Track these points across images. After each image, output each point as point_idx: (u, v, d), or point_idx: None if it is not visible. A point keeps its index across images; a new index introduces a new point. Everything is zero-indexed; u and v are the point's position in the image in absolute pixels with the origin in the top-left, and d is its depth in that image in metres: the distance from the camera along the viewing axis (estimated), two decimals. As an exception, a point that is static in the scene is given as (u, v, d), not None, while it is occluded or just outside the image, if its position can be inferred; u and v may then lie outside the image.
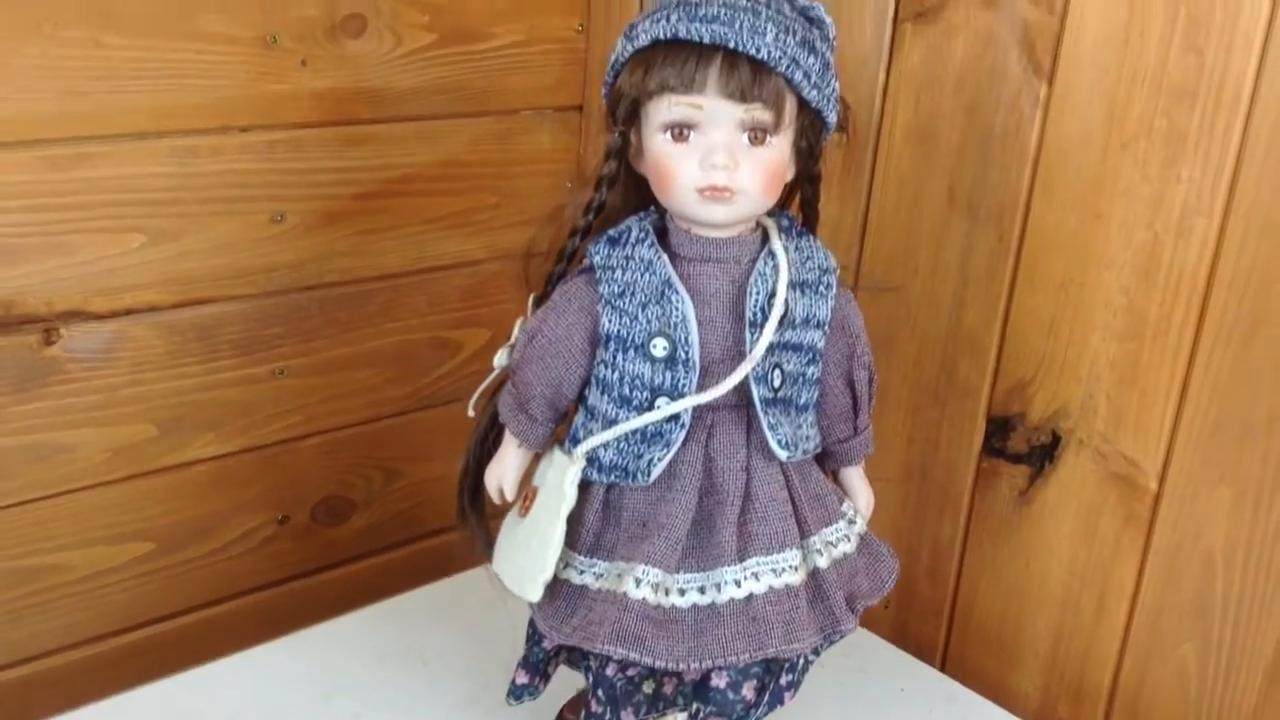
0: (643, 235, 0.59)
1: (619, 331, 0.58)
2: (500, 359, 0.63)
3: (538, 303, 0.62)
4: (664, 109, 0.56)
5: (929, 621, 0.86)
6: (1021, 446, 0.79)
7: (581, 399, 0.60)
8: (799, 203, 0.62)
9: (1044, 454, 0.78)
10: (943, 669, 0.84)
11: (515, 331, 0.63)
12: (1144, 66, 0.69)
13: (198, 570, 0.93)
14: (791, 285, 0.58)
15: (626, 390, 0.58)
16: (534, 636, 0.64)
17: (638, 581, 0.57)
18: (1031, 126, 0.75)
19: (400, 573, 1.04)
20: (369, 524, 1.02)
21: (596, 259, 0.59)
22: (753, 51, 0.54)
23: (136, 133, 0.80)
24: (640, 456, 0.58)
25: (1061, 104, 0.73)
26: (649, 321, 0.57)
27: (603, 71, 0.61)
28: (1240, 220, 0.67)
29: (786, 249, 0.59)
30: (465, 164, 0.97)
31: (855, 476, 0.66)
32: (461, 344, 1.03)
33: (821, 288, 0.60)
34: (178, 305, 0.86)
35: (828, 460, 0.65)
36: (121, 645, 0.90)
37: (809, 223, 0.63)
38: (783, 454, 0.58)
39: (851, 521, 0.63)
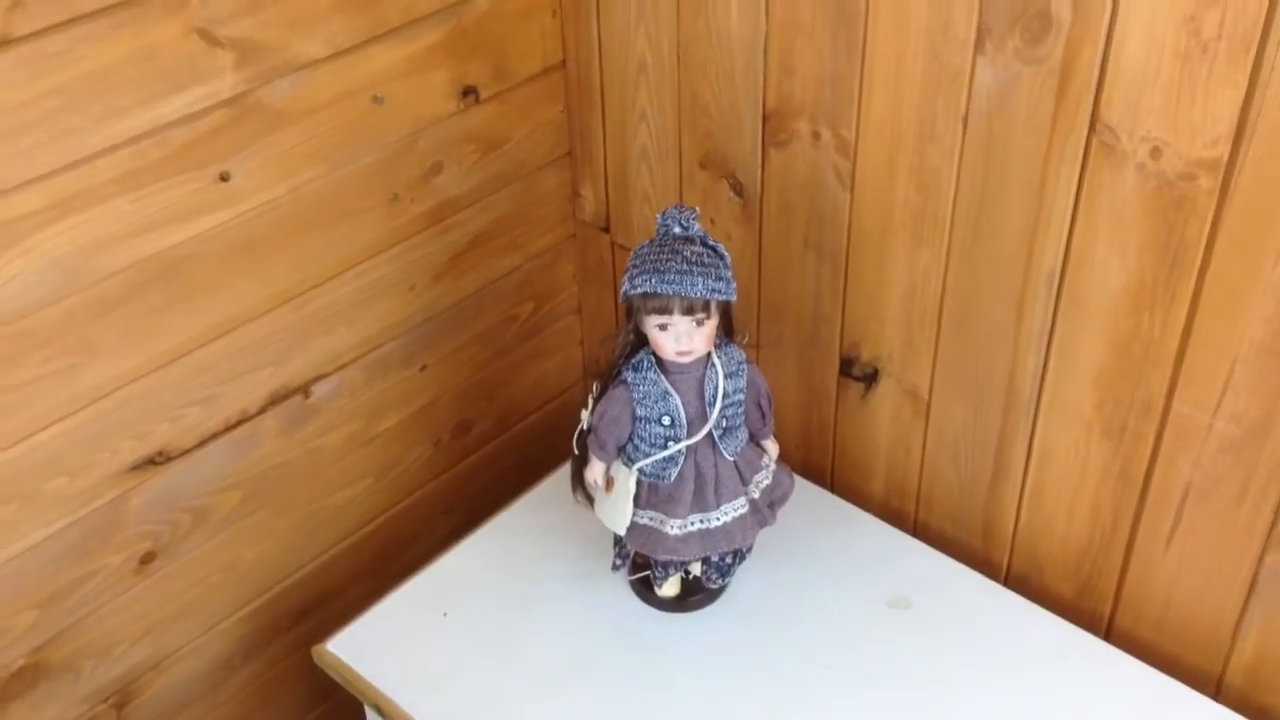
0: (649, 365, 1.19)
1: (645, 415, 1.19)
2: (585, 417, 1.25)
3: (599, 392, 1.24)
4: (654, 319, 1.15)
5: (823, 455, 1.53)
6: (859, 373, 1.43)
7: (630, 438, 1.23)
8: (722, 321, 1.22)
9: (870, 378, 1.42)
10: (831, 487, 1.51)
11: (590, 401, 1.25)
12: (895, 198, 1.27)
13: (402, 480, 1.58)
14: (726, 377, 1.20)
15: (652, 440, 1.20)
16: (619, 542, 1.30)
17: (671, 526, 1.22)
18: (844, 215, 1.33)
19: (498, 453, 1.71)
20: (481, 430, 1.67)
21: (630, 379, 1.19)
22: (694, 296, 1.13)
23: (336, 274, 1.37)
24: (664, 469, 1.21)
25: (859, 206, 1.31)
26: (659, 410, 1.19)
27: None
28: (955, 276, 1.27)
29: (720, 358, 1.20)
30: (507, 219, 1.54)
31: (769, 442, 1.29)
32: (518, 316, 1.63)
33: (739, 372, 1.21)
34: (368, 352, 1.45)
35: (752, 439, 1.28)
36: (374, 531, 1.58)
37: (729, 332, 1.23)
38: (731, 458, 1.22)
39: (767, 465, 1.28)
